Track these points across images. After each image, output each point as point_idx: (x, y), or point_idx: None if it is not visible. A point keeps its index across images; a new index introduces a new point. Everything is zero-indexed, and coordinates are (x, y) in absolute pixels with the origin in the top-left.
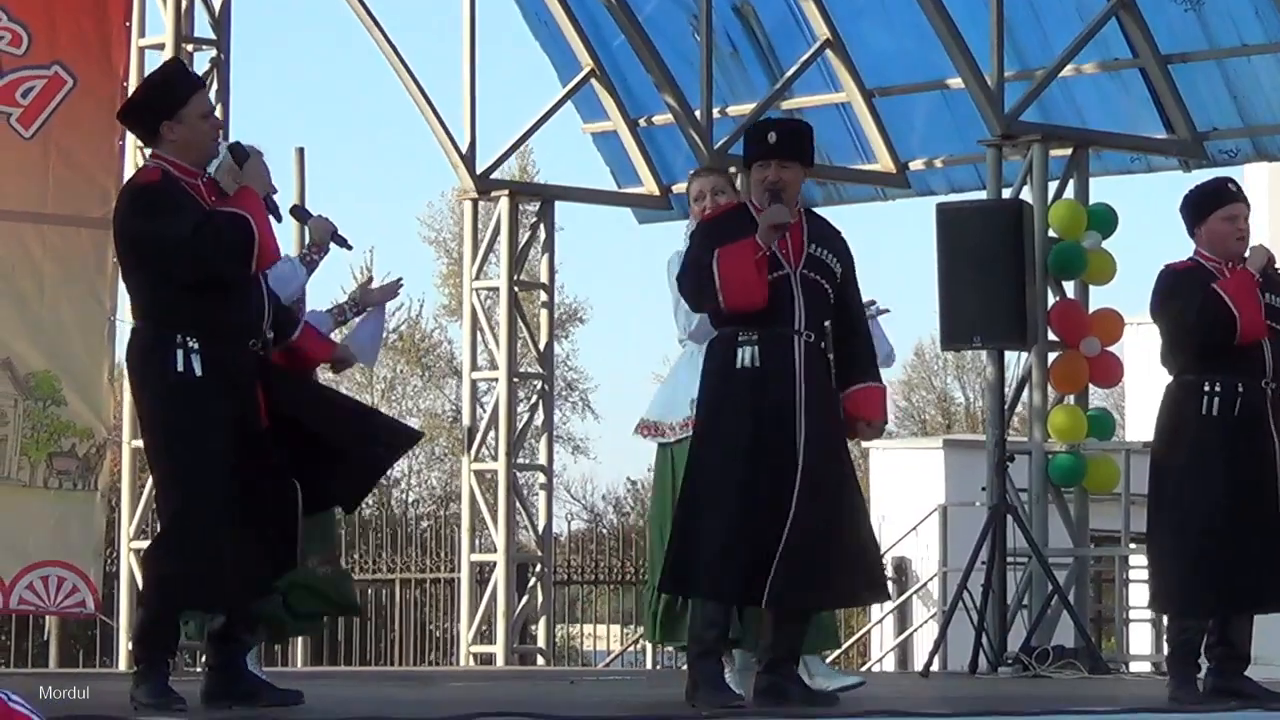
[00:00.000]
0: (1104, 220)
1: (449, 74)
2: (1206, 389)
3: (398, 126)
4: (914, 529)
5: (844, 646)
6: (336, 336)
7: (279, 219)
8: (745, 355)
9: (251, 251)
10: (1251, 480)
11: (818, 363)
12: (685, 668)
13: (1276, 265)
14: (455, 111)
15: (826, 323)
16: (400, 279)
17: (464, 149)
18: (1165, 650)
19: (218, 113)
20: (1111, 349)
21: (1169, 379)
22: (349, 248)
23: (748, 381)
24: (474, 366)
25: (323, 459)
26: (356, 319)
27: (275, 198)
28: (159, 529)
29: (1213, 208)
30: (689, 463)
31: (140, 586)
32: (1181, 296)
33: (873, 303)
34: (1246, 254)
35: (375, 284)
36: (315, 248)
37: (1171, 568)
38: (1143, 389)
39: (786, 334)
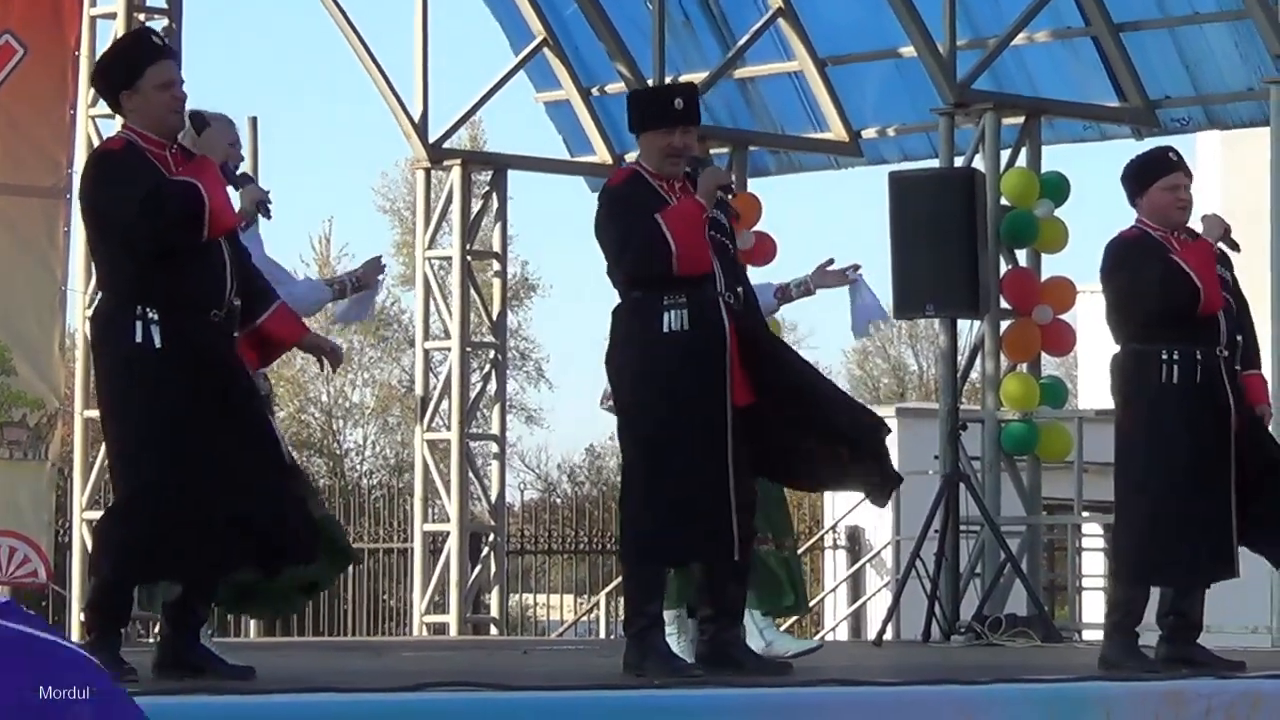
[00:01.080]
0: (1056, 188)
1: (401, 43)
2: (1165, 357)
3: (351, 96)
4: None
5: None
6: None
7: (237, 187)
8: (673, 319)
9: (202, 219)
10: (1211, 447)
11: (742, 323)
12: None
13: (1230, 236)
14: (408, 81)
15: (740, 287)
16: (380, 256)
17: (416, 118)
18: (1107, 616)
19: (183, 85)
20: (1064, 317)
21: (1119, 348)
22: (269, 218)
23: (678, 344)
24: (427, 336)
25: None
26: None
27: (234, 167)
28: (114, 499)
29: (1154, 177)
30: (630, 434)
31: (92, 556)
32: (1130, 266)
33: (856, 267)
34: (1202, 224)
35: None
36: (241, 214)
37: (1135, 537)
38: (1095, 357)
39: (712, 296)
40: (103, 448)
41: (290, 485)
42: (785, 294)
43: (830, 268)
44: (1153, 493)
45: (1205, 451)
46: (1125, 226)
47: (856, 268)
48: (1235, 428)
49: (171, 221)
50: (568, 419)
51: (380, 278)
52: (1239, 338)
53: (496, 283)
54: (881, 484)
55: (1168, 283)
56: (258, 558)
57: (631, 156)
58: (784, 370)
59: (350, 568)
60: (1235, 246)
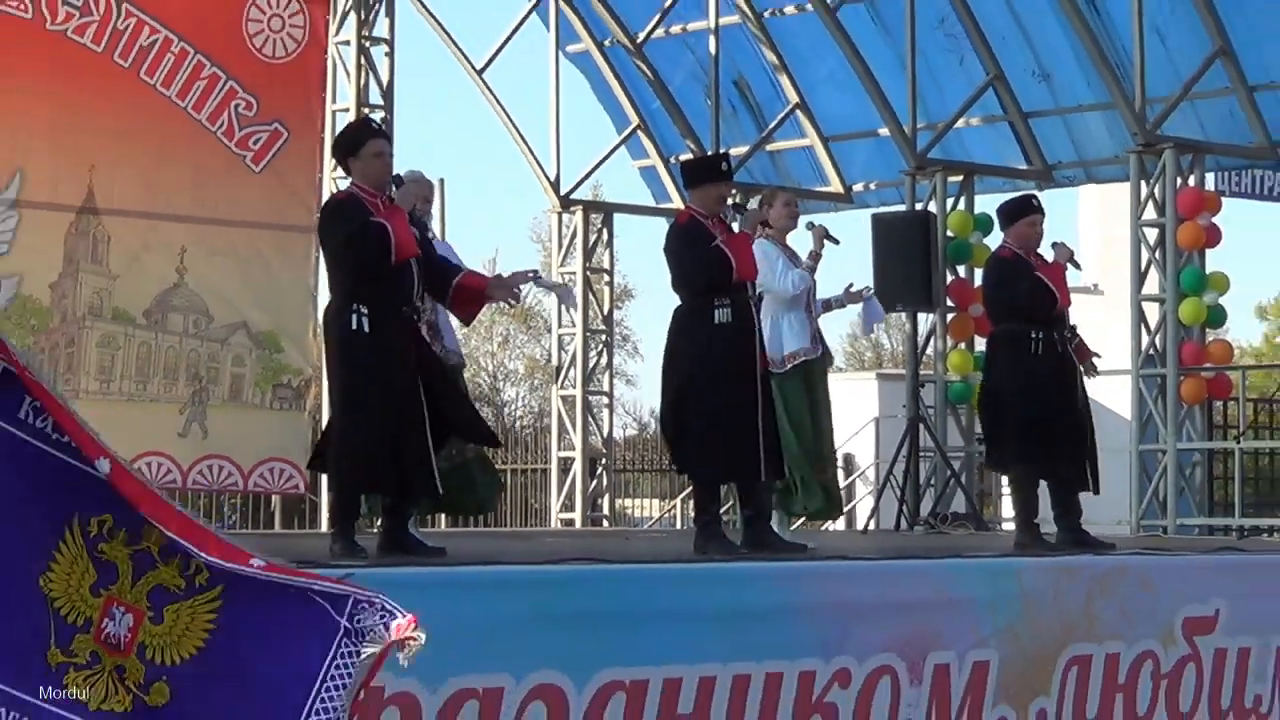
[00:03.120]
0: (985, 225)
1: (541, 126)
2: (1032, 336)
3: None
4: (856, 433)
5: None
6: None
7: (420, 230)
8: (721, 314)
9: (389, 249)
10: (1060, 392)
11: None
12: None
13: (1074, 258)
14: (546, 152)
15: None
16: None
17: (552, 178)
18: (1016, 509)
19: (391, 155)
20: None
21: (994, 331)
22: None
23: (729, 330)
24: (560, 325)
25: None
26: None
27: (422, 214)
28: (337, 434)
29: (1020, 215)
30: (691, 394)
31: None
32: (1008, 278)
33: (868, 288)
34: (1053, 249)
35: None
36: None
37: (1009, 449)
38: None
39: (745, 300)
40: None
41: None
42: (828, 305)
43: (852, 289)
44: (1029, 422)
45: (1059, 392)
46: (999, 246)
47: (868, 289)
48: (1081, 380)
49: (368, 251)
50: (653, 380)
51: (525, 286)
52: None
53: (606, 290)
54: None
55: (1034, 293)
56: (424, 486)
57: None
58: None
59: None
60: (1077, 266)
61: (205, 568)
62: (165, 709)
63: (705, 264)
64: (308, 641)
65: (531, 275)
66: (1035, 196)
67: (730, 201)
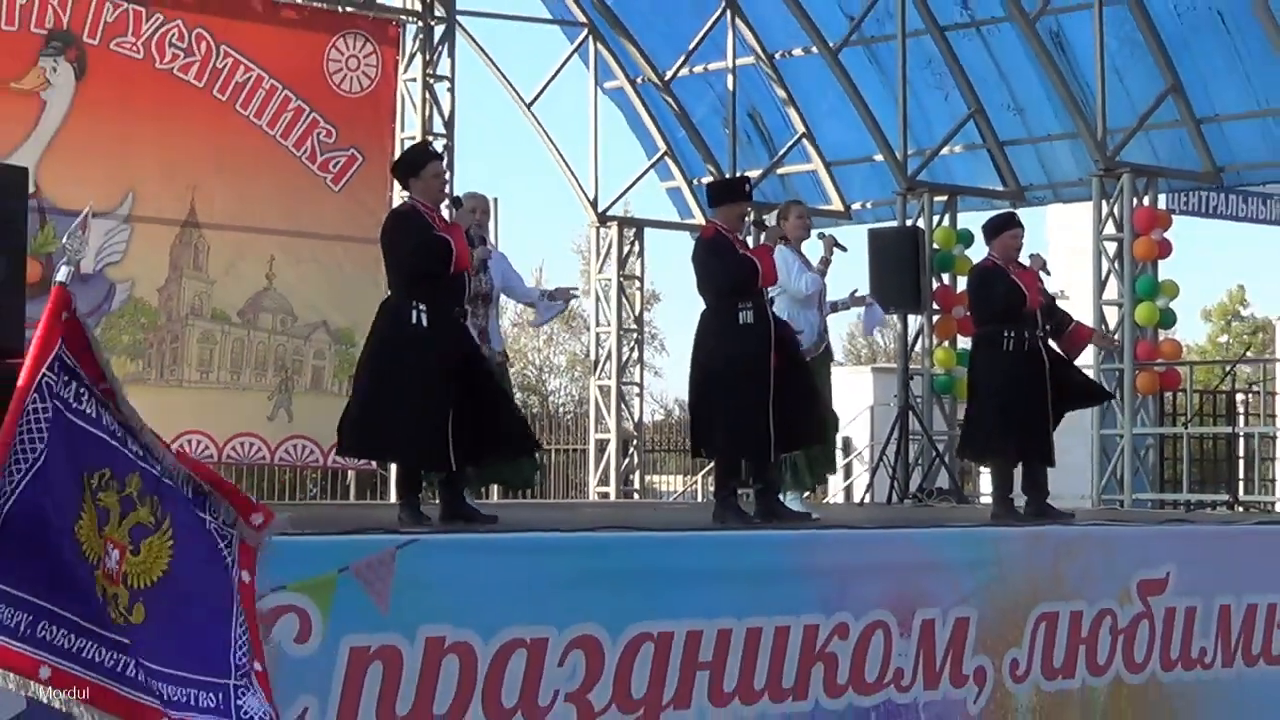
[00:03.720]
0: (966, 239)
1: (582, 150)
2: (1006, 334)
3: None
4: (854, 419)
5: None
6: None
7: (472, 244)
8: (745, 316)
9: (449, 260)
10: (1032, 383)
11: (775, 319)
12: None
13: (1046, 267)
14: (586, 174)
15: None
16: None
17: (591, 198)
18: (994, 486)
19: (447, 176)
20: (969, 314)
21: (977, 332)
22: (486, 270)
23: (751, 330)
24: (597, 324)
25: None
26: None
27: (478, 231)
28: (383, 411)
29: (1004, 229)
30: (717, 379)
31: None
32: (986, 285)
33: (870, 294)
34: (1029, 259)
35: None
36: (473, 260)
37: (986, 436)
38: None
39: (763, 304)
40: None
41: (489, 413)
42: (835, 306)
43: (857, 295)
44: (1004, 411)
45: (1027, 384)
46: (983, 258)
47: (870, 296)
48: (1048, 370)
49: (432, 260)
50: (678, 373)
51: (569, 300)
52: (1049, 324)
53: (637, 294)
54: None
55: (1009, 295)
56: (475, 458)
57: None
58: (792, 348)
59: (543, 465)
60: (1048, 273)
61: (163, 502)
62: (142, 626)
63: (733, 272)
64: (215, 562)
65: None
66: (1015, 214)
67: (749, 219)
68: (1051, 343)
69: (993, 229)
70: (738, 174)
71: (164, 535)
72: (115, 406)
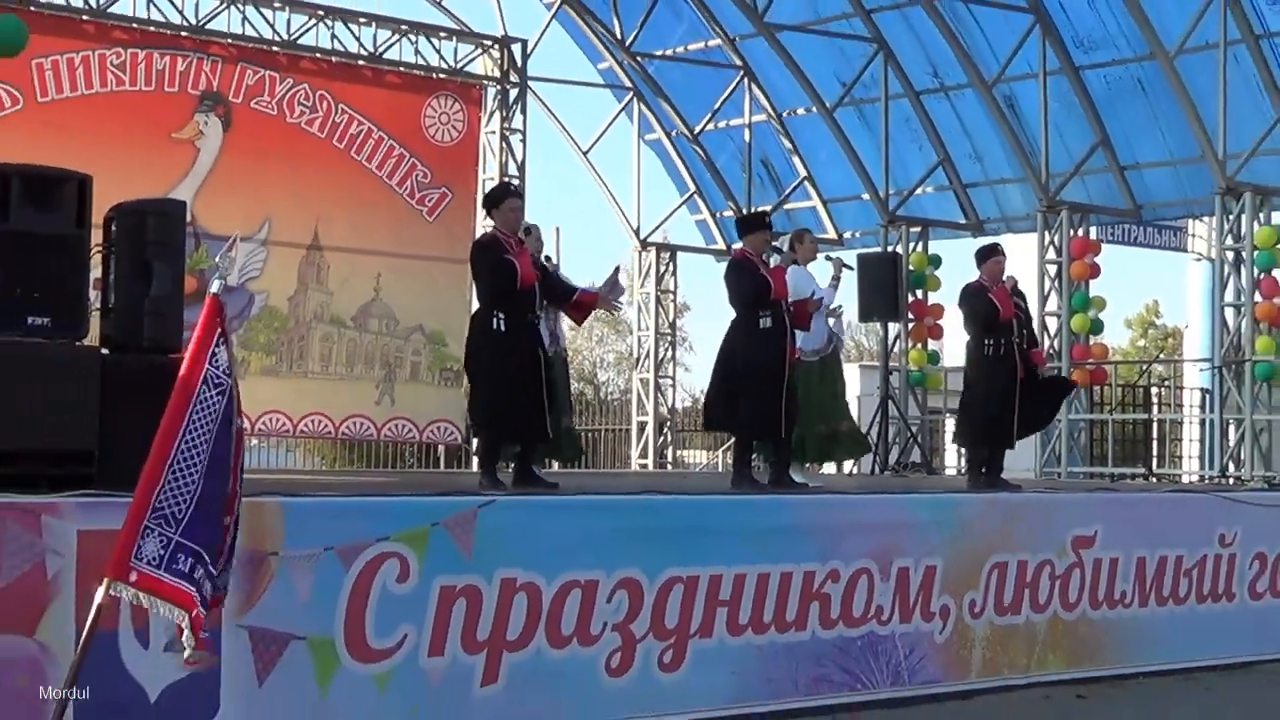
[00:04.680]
0: (935, 262)
1: (627, 191)
2: (988, 342)
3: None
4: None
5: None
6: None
7: (537, 265)
8: (764, 322)
9: (516, 279)
10: (1006, 386)
11: (790, 321)
12: (734, 469)
13: (1019, 287)
14: (631, 209)
15: (791, 304)
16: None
17: (635, 227)
18: (966, 464)
19: (523, 209)
20: (939, 323)
21: (968, 338)
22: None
23: (769, 333)
24: (639, 329)
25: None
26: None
27: (545, 256)
28: (480, 404)
29: (989, 257)
30: (739, 366)
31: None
32: (972, 301)
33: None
34: (1005, 281)
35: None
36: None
37: (969, 428)
38: (957, 342)
39: (780, 312)
40: None
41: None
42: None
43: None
44: (982, 405)
45: (1004, 388)
46: (972, 279)
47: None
48: (1020, 376)
49: (504, 279)
50: (704, 368)
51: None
52: (1025, 332)
53: (671, 305)
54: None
55: (988, 310)
56: (541, 434)
57: (737, 246)
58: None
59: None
60: (1020, 294)
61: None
62: None
63: (753, 287)
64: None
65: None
66: (999, 244)
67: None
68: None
69: (981, 255)
70: (754, 209)
71: None
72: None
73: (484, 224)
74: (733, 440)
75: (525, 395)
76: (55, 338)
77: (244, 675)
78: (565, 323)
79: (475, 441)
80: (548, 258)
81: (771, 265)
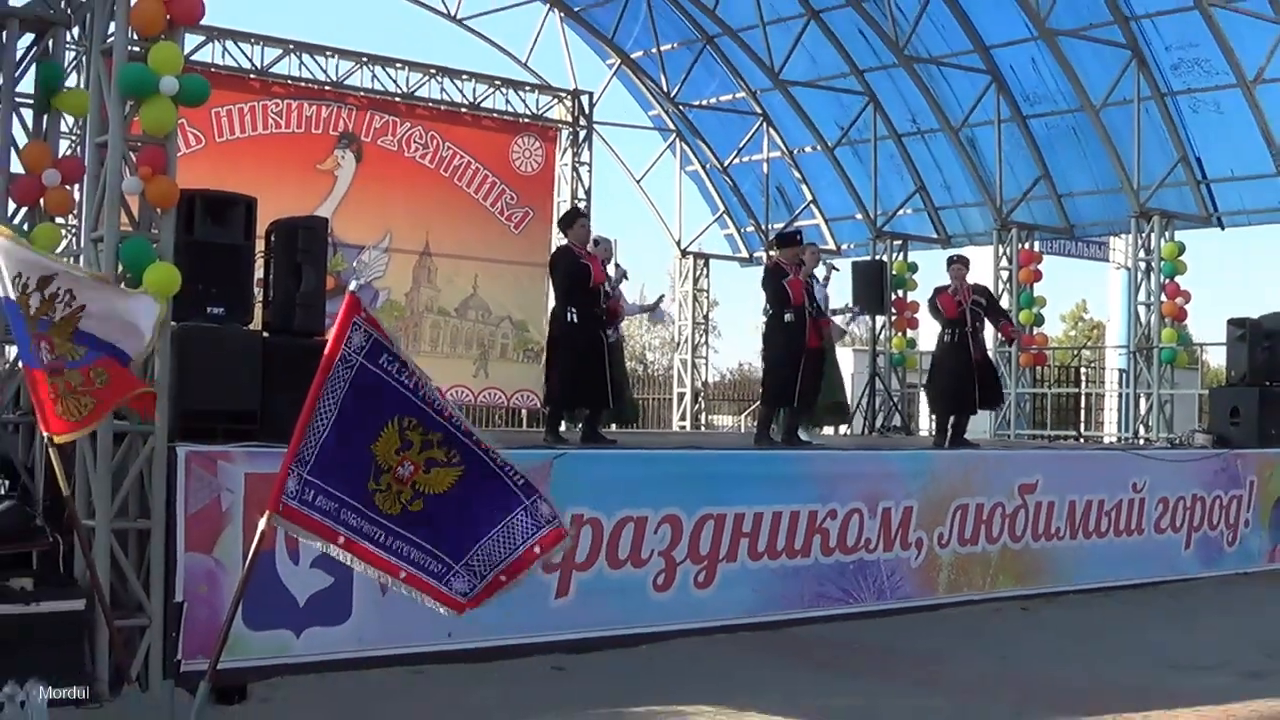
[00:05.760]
0: (913, 268)
1: (671, 210)
2: (949, 330)
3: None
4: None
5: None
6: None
7: (605, 271)
8: (788, 318)
9: (589, 280)
10: (963, 363)
11: (812, 318)
12: (757, 430)
13: (977, 286)
14: (674, 224)
15: (814, 304)
16: (662, 296)
17: (677, 238)
18: (934, 427)
19: (590, 226)
20: (916, 315)
21: (938, 329)
22: (617, 286)
23: (792, 327)
24: (679, 320)
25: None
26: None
27: (615, 262)
28: (553, 378)
29: (952, 265)
30: (764, 352)
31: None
32: (930, 303)
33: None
34: (966, 285)
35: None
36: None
37: (936, 399)
38: (930, 331)
39: (802, 310)
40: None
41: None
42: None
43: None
44: (943, 380)
45: (962, 367)
46: (940, 283)
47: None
48: (976, 359)
49: (580, 280)
50: (729, 351)
51: (663, 310)
52: (977, 323)
53: (705, 301)
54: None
55: (938, 311)
56: (604, 402)
57: (759, 255)
58: (825, 343)
59: (641, 409)
60: (981, 290)
61: (460, 454)
62: (417, 513)
63: (780, 291)
64: (496, 509)
65: (659, 300)
66: (963, 255)
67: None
68: (991, 334)
69: (948, 263)
70: (767, 226)
71: (453, 470)
72: (412, 374)
73: (557, 239)
74: (755, 407)
75: (593, 372)
76: (228, 323)
77: (371, 586)
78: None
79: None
80: (617, 264)
81: (794, 277)
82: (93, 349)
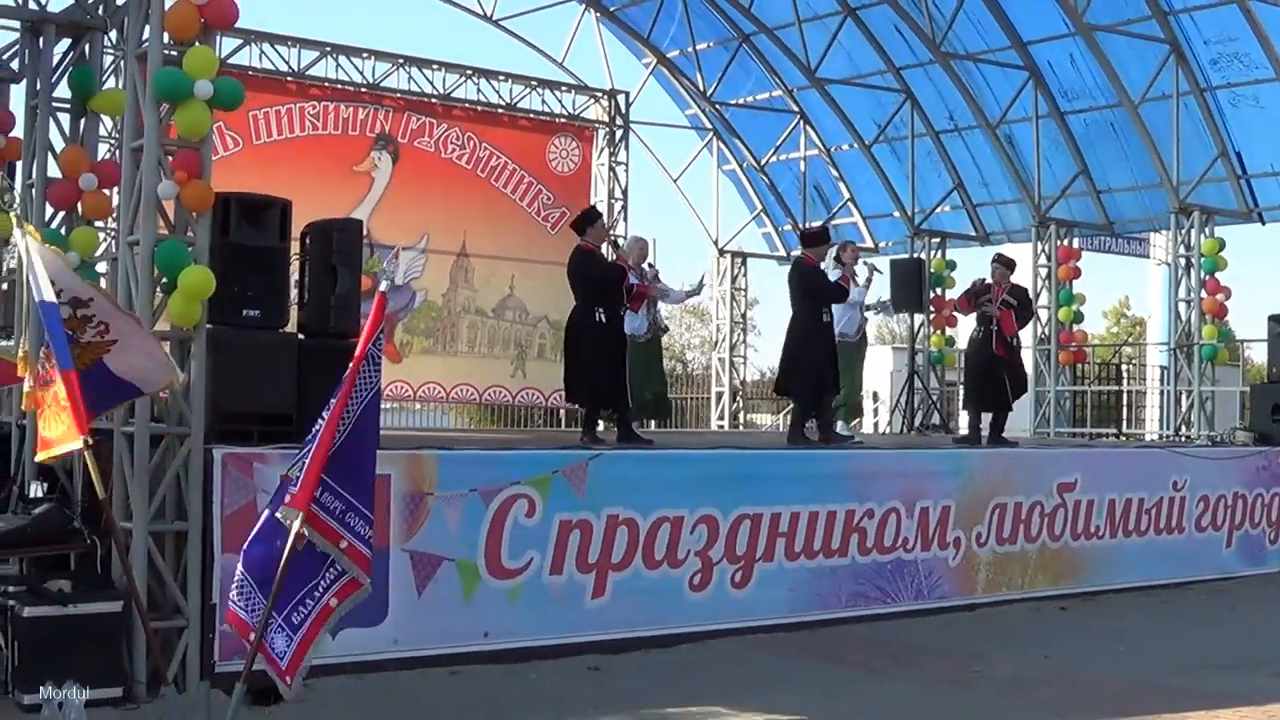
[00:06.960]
0: (951, 266)
1: (709, 209)
2: (977, 326)
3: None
4: (881, 380)
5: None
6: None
7: (638, 272)
8: (824, 316)
9: (620, 281)
10: (989, 361)
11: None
12: (790, 428)
13: (1015, 287)
14: (712, 223)
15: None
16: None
17: (715, 238)
18: (967, 425)
19: (618, 229)
20: (954, 314)
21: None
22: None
23: (826, 325)
24: (717, 318)
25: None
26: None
27: (648, 263)
28: (579, 375)
29: (993, 262)
30: (798, 350)
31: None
32: (971, 294)
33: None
34: (1004, 282)
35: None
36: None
37: (964, 397)
38: (963, 327)
39: (828, 312)
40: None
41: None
42: (869, 308)
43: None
44: (967, 379)
45: (982, 365)
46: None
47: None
48: (998, 355)
49: (609, 281)
50: (768, 350)
51: (700, 294)
52: (997, 322)
53: (743, 299)
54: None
55: (983, 305)
56: (624, 403)
57: (795, 252)
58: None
59: (674, 408)
60: (1015, 291)
61: None
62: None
63: (831, 289)
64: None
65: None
66: (1004, 255)
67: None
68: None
69: (994, 261)
70: (812, 225)
71: None
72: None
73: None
74: (791, 405)
75: (617, 375)
76: (264, 326)
77: (406, 587)
78: (663, 311)
79: (583, 410)
80: (650, 265)
81: (832, 278)
82: (100, 380)
